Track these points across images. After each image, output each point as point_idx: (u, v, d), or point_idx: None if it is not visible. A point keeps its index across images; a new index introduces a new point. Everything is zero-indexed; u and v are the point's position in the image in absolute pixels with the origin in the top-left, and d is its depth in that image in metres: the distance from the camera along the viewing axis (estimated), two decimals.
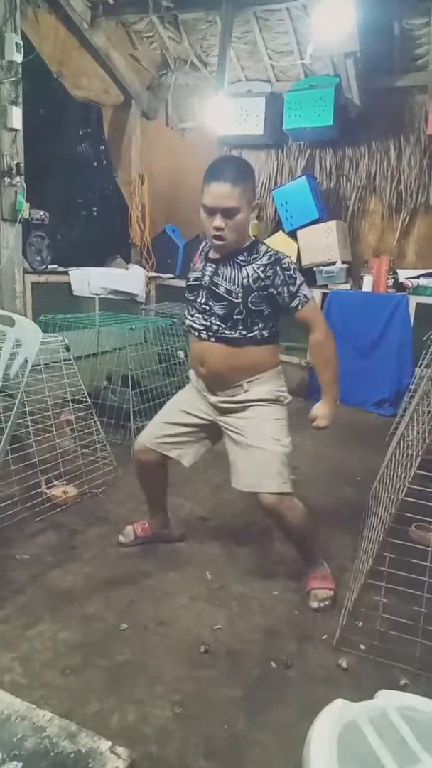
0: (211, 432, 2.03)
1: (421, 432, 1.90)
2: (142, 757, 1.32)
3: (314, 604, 1.91)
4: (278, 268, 1.77)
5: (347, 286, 4.58)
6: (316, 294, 4.55)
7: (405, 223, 4.81)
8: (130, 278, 4.89)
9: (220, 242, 1.77)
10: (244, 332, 1.81)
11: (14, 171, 3.55)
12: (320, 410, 1.92)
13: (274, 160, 5.20)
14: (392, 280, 4.41)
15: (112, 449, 2.89)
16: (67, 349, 2.72)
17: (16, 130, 3.55)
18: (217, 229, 1.73)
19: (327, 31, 3.68)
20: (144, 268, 5.20)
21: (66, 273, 4.28)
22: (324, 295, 4.54)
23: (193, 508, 2.61)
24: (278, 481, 1.82)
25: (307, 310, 1.82)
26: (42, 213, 3.96)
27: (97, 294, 4.48)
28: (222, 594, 1.98)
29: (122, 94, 5.10)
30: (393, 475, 2.05)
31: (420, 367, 3.27)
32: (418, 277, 4.34)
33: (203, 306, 1.85)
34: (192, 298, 1.90)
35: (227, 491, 2.67)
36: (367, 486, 2.73)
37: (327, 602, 1.92)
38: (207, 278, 1.85)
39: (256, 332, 1.82)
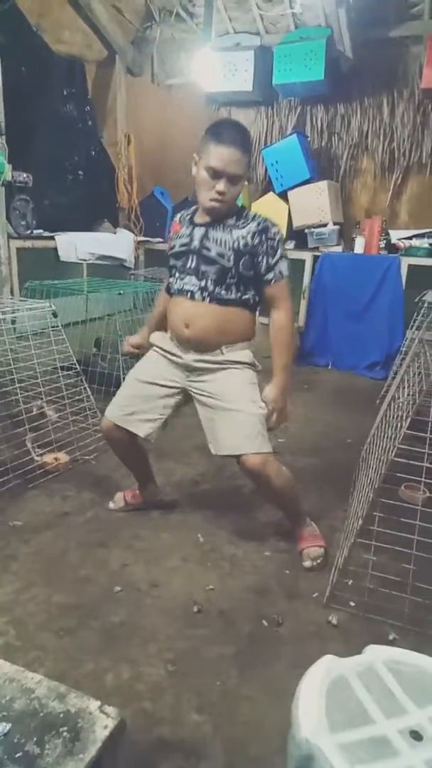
0: (176, 402, 1.98)
1: (411, 393, 1.89)
2: (135, 713, 1.35)
3: (307, 563, 1.94)
4: (264, 236, 1.78)
5: (339, 249, 4.51)
6: (307, 256, 4.49)
7: (398, 183, 4.70)
8: (118, 243, 4.79)
9: (218, 205, 1.74)
10: (239, 294, 1.83)
11: None
12: (270, 394, 1.86)
13: (264, 117, 5.04)
14: (384, 242, 4.34)
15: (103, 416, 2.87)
16: (55, 315, 2.68)
17: None
18: (220, 193, 1.72)
19: None
20: (132, 232, 5.10)
21: (52, 238, 4.18)
22: (315, 257, 4.48)
23: (184, 471, 2.62)
24: (260, 440, 1.81)
25: (279, 286, 1.84)
26: (25, 175, 3.84)
27: (84, 259, 4.39)
28: (214, 555, 2.00)
29: (106, 49, 4.89)
30: (383, 436, 2.06)
31: (411, 329, 3.26)
32: (410, 238, 4.28)
33: (195, 269, 1.83)
34: (180, 264, 1.87)
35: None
36: (358, 448, 2.75)
37: (319, 560, 1.94)
38: (196, 242, 1.82)
39: (249, 296, 1.85)
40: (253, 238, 1.77)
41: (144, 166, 5.18)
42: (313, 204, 4.48)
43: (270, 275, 1.81)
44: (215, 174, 1.71)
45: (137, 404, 1.96)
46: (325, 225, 4.48)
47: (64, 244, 4.22)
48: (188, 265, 1.84)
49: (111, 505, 2.26)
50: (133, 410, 1.96)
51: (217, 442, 1.87)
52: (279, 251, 1.81)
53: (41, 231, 4.16)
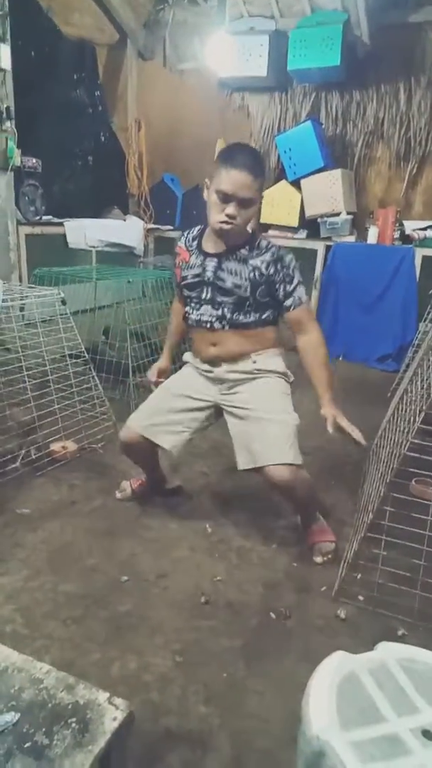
0: (206, 419, 1.97)
1: (425, 387, 1.86)
2: (142, 703, 1.34)
3: (318, 559, 1.92)
4: (279, 265, 1.80)
5: (352, 239, 4.44)
6: (320, 246, 4.43)
7: (413, 173, 4.62)
8: (127, 230, 4.76)
9: (227, 227, 1.72)
10: (258, 315, 1.86)
11: (4, 115, 3.39)
12: (330, 410, 1.86)
13: (278, 103, 4.96)
14: (398, 232, 4.27)
15: (111, 405, 2.86)
16: (63, 302, 2.66)
17: (4, 71, 3.37)
18: (230, 216, 1.70)
19: None
20: (142, 219, 5.06)
21: (61, 224, 4.15)
22: (327, 247, 4.42)
23: (193, 463, 2.60)
24: (294, 451, 1.79)
25: (300, 311, 1.85)
26: (35, 161, 3.81)
27: (93, 246, 4.37)
28: (222, 547, 1.99)
29: (117, 32, 4.84)
30: (395, 429, 2.03)
31: (425, 321, 3.21)
32: (425, 229, 4.20)
33: (210, 299, 1.83)
34: (194, 294, 1.87)
35: (227, 447, 2.64)
36: (368, 441, 2.71)
37: (330, 555, 1.92)
38: (210, 274, 1.82)
39: (268, 314, 1.88)
40: (267, 268, 1.79)
41: (154, 152, 5.13)
42: (326, 193, 4.41)
43: (289, 301, 1.83)
44: (225, 198, 1.70)
45: (165, 415, 1.94)
46: (338, 214, 4.42)
47: (73, 231, 4.20)
48: (203, 296, 1.85)
49: (118, 494, 2.25)
50: (160, 421, 1.93)
51: (250, 453, 1.82)
52: (296, 278, 1.82)
53: (50, 217, 4.14)
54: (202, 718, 1.33)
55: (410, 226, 4.29)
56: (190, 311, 1.91)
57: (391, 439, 2.01)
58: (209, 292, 1.83)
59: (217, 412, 1.97)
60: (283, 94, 4.90)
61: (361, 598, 1.72)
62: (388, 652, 1.04)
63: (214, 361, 1.91)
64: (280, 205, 4.51)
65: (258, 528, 2.10)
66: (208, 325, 1.86)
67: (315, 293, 4.51)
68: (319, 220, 4.49)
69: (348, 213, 4.42)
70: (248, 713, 1.35)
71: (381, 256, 4.22)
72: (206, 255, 1.84)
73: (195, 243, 1.89)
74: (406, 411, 1.99)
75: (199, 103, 5.06)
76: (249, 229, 1.82)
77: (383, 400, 3.21)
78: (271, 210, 4.53)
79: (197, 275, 1.85)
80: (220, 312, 1.84)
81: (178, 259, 1.92)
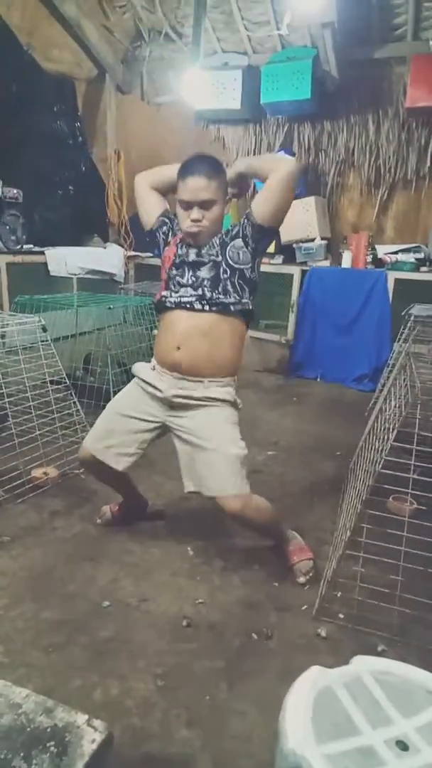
0: (155, 435, 1.98)
1: (397, 405, 1.92)
2: (124, 728, 1.34)
3: (301, 579, 1.92)
4: (243, 218, 1.88)
5: (326, 263, 4.57)
6: (296, 271, 4.54)
7: (383, 199, 4.79)
8: (108, 257, 4.82)
9: (196, 229, 1.81)
10: (237, 296, 1.86)
11: None
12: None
13: (252, 134, 5.12)
14: (371, 256, 4.41)
15: None
16: (44, 329, 2.69)
17: None
18: (195, 220, 1.79)
19: (304, 0, 3.61)
20: (122, 246, 5.13)
21: (42, 253, 4.20)
22: (303, 272, 4.53)
23: (173, 486, 2.61)
24: (240, 481, 1.81)
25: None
26: (15, 191, 3.87)
27: (74, 274, 4.42)
28: (203, 569, 2.00)
29: (95, 67, 4.97)
30: (371, 448, 2.08)
31: (398, 342, 3.29)
32: (396, 253, 4.35)
33: (190, 279, 1.86)
34: (178, 273, 1.90)
35: None
36: (347, 460, 2.76)
37: (311, 573, 1.94)
38: (192, 257, 1.88)
39: (246, 301, 1.89)
40: (233, 235, 1.86)
41: (133, 182, 5.22)
42: (301, 219, 4.54)
43: (247, 212, 1.86)
44: (187, 205, 1.80)
45: (115, 437, 1.95)
46: (312, 240, 4.54)
47: (54, 259, 4.25)
48: (186, 275, 1.88)
49: (98, 520, 2.24)
50: (111, 443, 1.94)
51: (196, 480, 1.87)
52: (239, 224, 1.88)
53: (31, 246, 4.18)
54: (184, 741, 1.33)
55: (382, 250, 4.43)
56: (170, 293, 1.90)
57: (367, 458, 2.06)
58: (189, 270, 1.87)
59: (165, 428, 1.96)
60: (257, 125, 5.07)
61: (341, 615, 1.74)
62: (363, 665, 1.07)
63: (168, 371, 1.89)
64: None
65: (239, 549, 2.12)
66: (188, 306, 1.85)
67: (292, 317, 4.60)
68: (294, 245, 4.61)
69: (322, 238, 4.55)
70: (231, 734, 1.35)
71: (355, 279, 4.34)
72: (189, 246, 1.89)
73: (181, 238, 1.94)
74: (381, 429, 2.04)
75: (176, 134, 5.20)
76: (216, 230, 1.87)
77: (361, 419, 3.27)
78: None
79: (182, 256, 1.90)
80: (199, 291, 1.84)
81: (173, 242, 1.96)
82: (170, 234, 1.99)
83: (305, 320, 4.55)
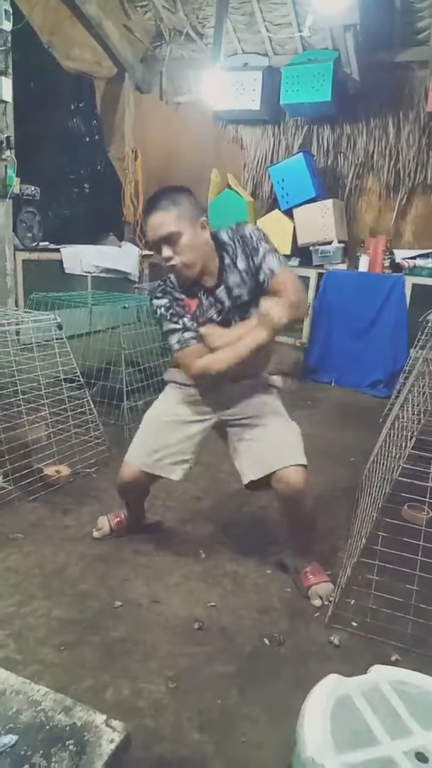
0: (206, 437, 1.94)
1: (416, 412, 1.90)
2: (136, 730, 1.33)
3: (317, 602, 1.84)
4: (244, 244, 1.73)
5: (343, 267, 4.54)
6: (312, 274, 4.52)
7: (402, 203, 4.75)
8: (123, 256, 4.83)
9: (174, 271, 1.70)
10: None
11: (4, 145, 3.46)
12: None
13: (271, 136, 5.10)
14: (389, 261, 4.37)
15: (105, 429, 2.88)
16: (60, 327, 2.69)
17: (5, 102, 3.46)
18: (167, 259, 1.67)
19: (326, 2, 3.60)
20: (137, 246, 5.14)
21: (58, 250, 4.21)
22: (319, 275, 4.51)
23: (186, 487, 2.61)
24: (304, 456, 1.80)
25: (274, 283, 1.71)
26: (33, 188, 3.89)
27: (89, 272, 4.42)
28: (215, 572, 1.99)
29: (115, 66, 4.98)
30: (387, 455, 2.06)
31: (415, 348, 3.27)
32: (414, 258, 4.31)
33: (239, 318, 1.76)
34: (222, 324, 1.77)
35: (221, 471, 2.67)
36: (361, 467, 2.74)
37: (331, 597, 1.83)
38: (227, 302, 1.75)
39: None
40: (243, 254, 1.72)
41: (150, 181, 5.23)
42: (318, 222, 4.52)
43: (261, 276, 1.71)
44: (154, 245, 1.69)
45: (168, 447, 1.87)
46: (329, 243, 4.52)
47: (70, 257, 4.26)
48: (230, 322, 1.77)
49: (95, 533, 2.15)
50: (163, 454, 1.87)
51: (260, 462, 1.78)
52: (260, 249, 1.70)
53: (47, 243, 4.20)
54: (196, 745, 1.32)
55: (400, 254, 4.39)
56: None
57: (383, 465, 2.04)
58: (236, 313, 1.76)
59: (216, 425, 1.92)
60: (276, 126, 5.05)
61: (354, 624, 1.72)
62: (381, 675, 1.05)
63: (222, 381, 1.82)
64: (272, 233, 4.56)
65: (252, 553, 2.11)
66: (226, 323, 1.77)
67: (307, 320, 4.58)
68: (311, 248, 4.59)
69: (339, 242, 4.52)
70: (242, 740, 1.34)
71: (372, 283, 4.31)
72: (211, 288, 1.76)
73: (185, 289, 1.78)
74: (397, 437, 2.02)
75: (194, 134, 5.20)
76: (199, 259, 1.69)
77: (375, 426, 3.25)
78: None
79: (219, 310, 1.77)
80: (236, 317, 1.77)
81: (191, 311, 1.78)
82: (179, 302, 1.79)
83: (320, 324, 4.53)
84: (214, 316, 1.77)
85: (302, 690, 1.11)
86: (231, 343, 1.69)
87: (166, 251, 1.66)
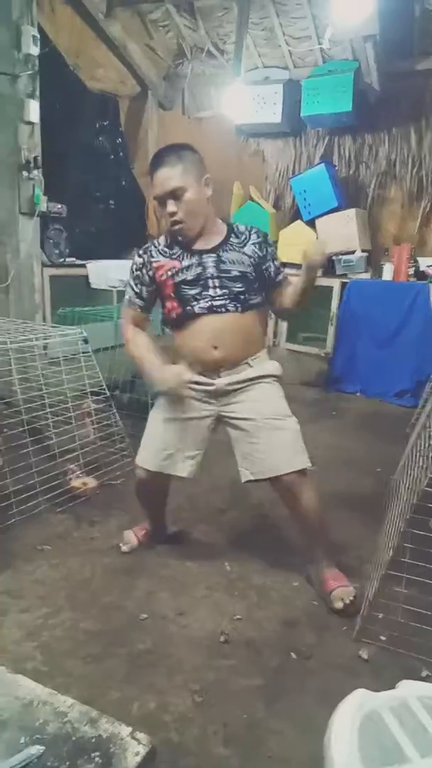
0: (212, 431, 1.95)
1: None
2: (162, 743, 1.33)
3: (339, 604, 1.82)
4: (267, 244, 1.89)
5: (367, 275, 4.51)
6: (335, 283, 4.50)
7: (426, 210, 4.70)
8: None
9: (177, 227, 1.76)
10: (260, 297, 1.89)
11: (32, 164, 3.55)
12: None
13: (292, 147, 5.13)
14: (413, 269, 4.34)
15: (131, 441, 2.90)
16: (86, 341, 2.74)
17: (33, 124, 3.55)
18: (172, 214, 1.73)
19: (346, 14, 3.62)
20: None
21: (84, 266, 4.29)
22: (343, 284, 4.49)
23: (210, 499, 2.61)
24: (304, 456, 1.82)
25: (287, 279, 1.95)
26: (59, 206, 3.97)
27: (114, 287, 4.48)
28: (241, 585, 1.98)
29: (138, 85, 5.08)
30: (414, 465, 2.03)
31: None
32: None
33: (220, 287, 1.81)
34: (196, 291, 1.81)
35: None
36: (387, 477, 2.70)
37: (352, 598, 1.83)
38: (212, 270, 1.80)
39: (263, 297, 1.92)
40: (260, 248, 1.86)
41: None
42: (341, 231, 4.51)
43: (280, 276, 1.91)
44: (160, 200, 1.75)
45: (173, 444, 1.89)
46: (352, 252, 4.50)
47: (95, 272, 4.33)
48: (210, 288, 1.81)
49: (123, 547, 2.15)
50: (170, 452, 1.89)
51: (261, 463, 1.81)
52: (271, 250, 1.91)
53: (73, 259, 4.28)
54: (221, 759, 1.31)
55: (424, 262, 4.35)
56: (197, 302, 1.81)
57: (410, 475, 2.00)
58: (215, 283, 1.80)
59: (218, 420, 1.93)
60: (297, 138, 5.07)
61: (383, 638, 1.69)
62: (410, 690, 1.03)
63: (211, 369, 1.85)
64: (295, 244, 4.61)
65: (277, 565, 2.09)
66: (223, 309, 1.80)
67: (331, 329, 4.55)
68: (334, 257, 4.57)
69: (363, 251, 4.50)
70: (268, 755, 1.33)
71: (396, 292, 4.27)
72: (201, 253, 1.81)
73: (175, 249, 1.83)
74: (424, 447, 1.99)
75: (216, 148, 5.24)
76: (201, 217, 1.78)
77: (401, 436, 3.20)
78: (286, 249, 4.63)
79: (198, 274, 1.80)
80: (233, 295, 1.81)
81: (161, 271, 1.83)
82: (149, 267, 1.86)
83: (345, 333, 4.50)
84: (189, 277, 1.81)
85: (329, 705, 1.09)
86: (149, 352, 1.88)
87: (171, 206, 1.73)
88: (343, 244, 4.53)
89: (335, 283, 4.51)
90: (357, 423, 3.84)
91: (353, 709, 0.97)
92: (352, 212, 4.48)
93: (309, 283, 1.84)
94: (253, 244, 1.85)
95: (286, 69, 4.80)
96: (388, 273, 4.39)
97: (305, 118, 4.60)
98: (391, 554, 1.66)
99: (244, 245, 1.85)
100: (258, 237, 1.87)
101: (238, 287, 1.82)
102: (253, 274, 1.84)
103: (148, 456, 1.93)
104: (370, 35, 3.95)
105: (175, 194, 1.71)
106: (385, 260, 4.48)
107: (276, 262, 1.90)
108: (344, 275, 4.54)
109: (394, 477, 2.55)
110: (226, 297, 1.81)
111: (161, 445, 1.91)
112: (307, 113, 4.52)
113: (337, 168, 4.86)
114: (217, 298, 1.81)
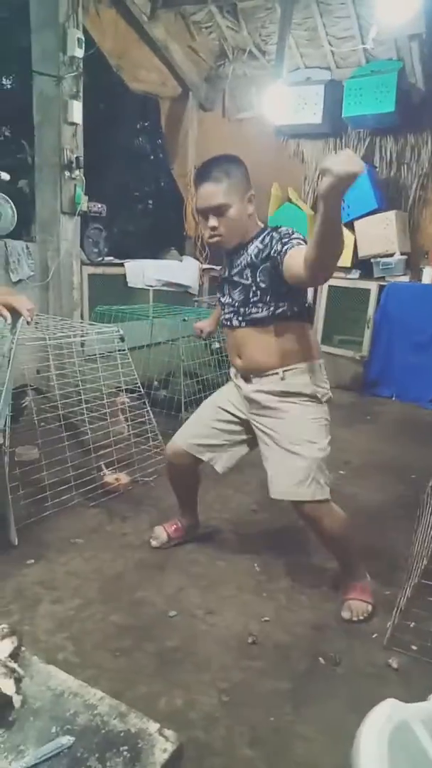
0: (246, 434, 1.94)
1: None
2: (188, 741, 1.33)
3: (346, 614, 1.81)
4: (274, 233, 1.68)
5: (405, 279, 4.43)
6: (373, 286, 4.44)
7: None
8: (184, 270, 4.92)
9: (214, 240, 1.75)
10: (271, 308, 1.72)
11: (74, 165, 3.62)
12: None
13: (332, 148, 5.06)
14: None
15: (164, 439, 2.92)
16: (122, 339, 2.77)
17: (76, 124, 3.62)
18: (212, 228, 1.72)
19: (391, 13, 3.56)
20: (198, 260, 5.22)
21: (121, 265, 4.35)
22: (381, 287, 4.42)
23: (242, 499, 2.61)
24: (314, 488, 1.72)
25: (296, 250, 1.57)
26: (99, 206, 4.03)
27: (151, 286, 4.53)
28: (270, 586, 1.98)
29: (180, 86, 5.11)
30: None
31: None
32: None
33: (228, 298, 1.84)
34: (219, 295, 1.92)
35: None
36: (422, 484, 2.65)
37: (362, 616, 1.81)
38: (225, 272, 1.87)
39: (283, 308, 1.72)
40: (263, 241, 1.70)
41: None
42: (380, 234, 4.44)
43: (287, 246, 1.60)
44: (202, 213, 1.74)
45: (206, 427, 1.97)
46: (391, 255, 4.42)
47: (133, 271, 4.38)
48: (225, 295, 1.86)
49: (153, 542, 2.19)
50: (201, 432, 1.98)
51: (270, 481, 1.82)
52: (294, 237, 1.63)
53: (112, 258, 4.34)
54: (248, 761, 1.31)
55: None
56: (223, 314, 1.91)
57: None
58: (226, 289, 1.84)
59: (249, 427, 1.92)
60: (338, 139, 5.01)
61: (414, 647, 1.66)
62: None
63: (244, 375, 1.87)
64: None
65: (307, 568, 2.08)
66: (229, 324, 1.83)
67: (368, 332, 4.49)
68: (372, 260, 4.51)
69: (402, 253, 4.42)
70: (295, 760, 1.32)
71: None
72: (225, 256, 1.87)
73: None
74: None
75: (255, 149, 5.22)
76: (241, 232, 1.74)
77: None
78: None
79: (222, 276, 1.89)
80: (235, 309, 1.80)
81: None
82: None
83: (381, 337, 4.43)
84: (218, 282, 1.90)
85: (358, 713, 1.08)
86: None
87: (213, 221, 1.71)
88: (382, 246, 4.46)
89: (372, 286, 4.45)
90: (392, 428, 3.77)
91: (382, 720, 0.95)
92: (391, 214, 4.41)
93: (325, 216, 1.31)
94: (259, 240, 1.72)
95: (327, 69, 4.76)
96: (427, 276, 4.30)
97: (347, 118, 4.55)
98: (425, 563, 1.63)
99: (250, 244, 1.74)
100: (268, 233, 1.71)
101: (236, 295, 1.79)
102: (249, 278, 1.73)
103: (182, 433, 2.03)
104: (416, 34, 3.89)
105: (219, 211, 1.69)
106: (424, 263, 4.39)
107: (285, 240, 1.62)
108: (382, 278, 4.47)
109: (430, 484, 2.50)
110: (231, 311, 1.82)
111: (195, 423, 2.02)
112: (349, 114, 4.46)
113: (377, 169, 4.78)
114: (227, 311, 1.85)
